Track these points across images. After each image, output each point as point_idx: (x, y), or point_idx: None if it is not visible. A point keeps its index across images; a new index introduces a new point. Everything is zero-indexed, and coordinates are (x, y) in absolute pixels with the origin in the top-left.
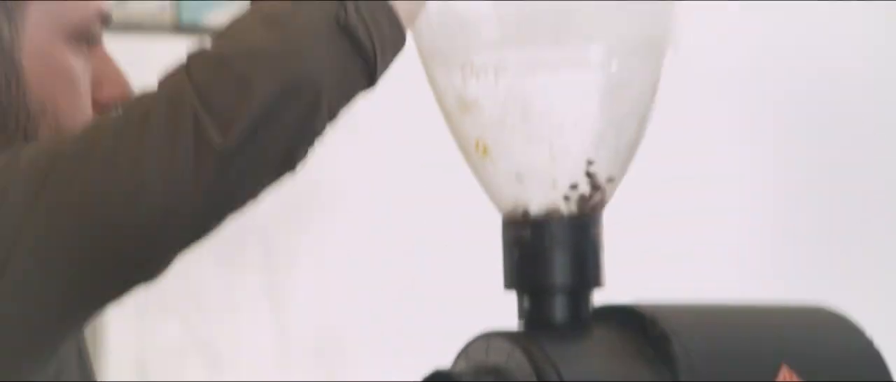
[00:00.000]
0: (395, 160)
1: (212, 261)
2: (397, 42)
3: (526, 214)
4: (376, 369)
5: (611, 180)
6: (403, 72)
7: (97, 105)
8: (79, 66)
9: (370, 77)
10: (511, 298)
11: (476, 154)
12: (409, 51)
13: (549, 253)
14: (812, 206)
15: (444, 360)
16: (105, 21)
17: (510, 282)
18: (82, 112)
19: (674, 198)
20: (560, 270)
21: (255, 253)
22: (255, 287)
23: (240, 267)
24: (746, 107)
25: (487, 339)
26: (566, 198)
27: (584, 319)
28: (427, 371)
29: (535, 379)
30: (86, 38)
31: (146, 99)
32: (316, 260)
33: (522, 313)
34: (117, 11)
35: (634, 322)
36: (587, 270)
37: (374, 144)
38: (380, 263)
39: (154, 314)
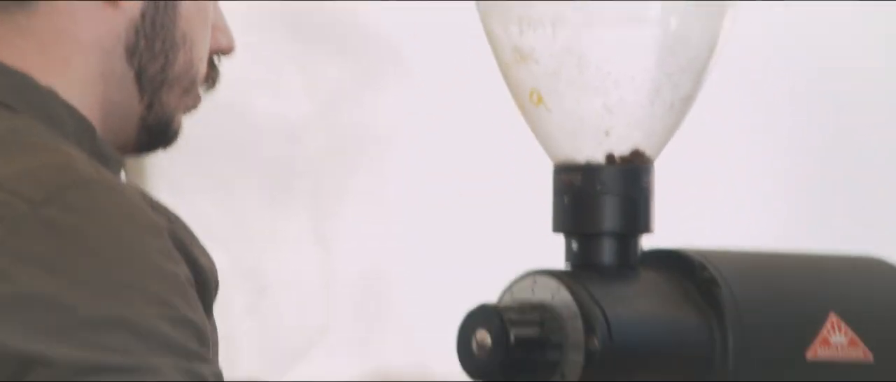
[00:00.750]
0: (446, 104)
1: (260, 197)
2: None
3: (577, 161)
4: (420, 307)
5: (664, 133)
6: (457, 20)
7: (210, 52)
8: (211, 11)
9: None
10: (557, 244)
11: (530, 103)
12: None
13: (599, 198)
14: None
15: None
16: None
17: (559, 226)
18: (205, 49)
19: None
20: (609, 215)
21: (304, 191)
22: (303, 224)
23: (287, 205)
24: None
25: (534, 277)
26: (617, 149)
27: (632, 263)
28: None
29: (579, 315)
30: None
31: None
32: (363, 201)
33: (570, 256)
34: None
35: (682, 267)
36: (636, 216)
37: (426, 88)
38: (427, 206)
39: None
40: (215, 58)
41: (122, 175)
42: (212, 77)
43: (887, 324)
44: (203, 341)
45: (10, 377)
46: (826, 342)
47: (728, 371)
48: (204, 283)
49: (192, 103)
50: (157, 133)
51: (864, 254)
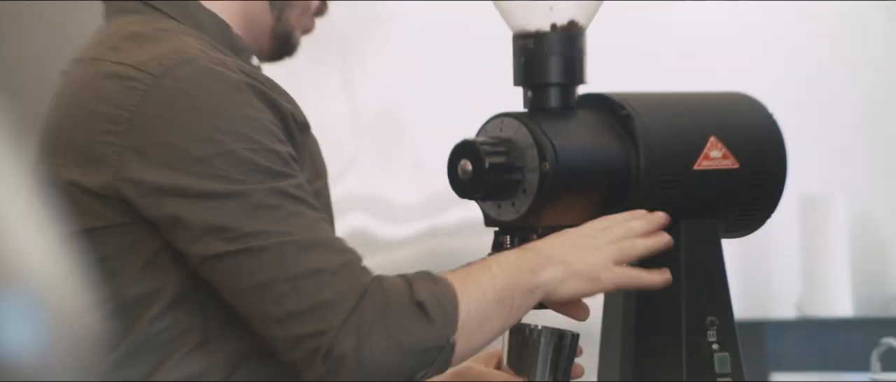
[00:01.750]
0: None
1: (301, 55)
2: None
3: (529, 30)
4: (425, 140)
5: (589, 9)
6: None
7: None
8: None
9: None
10: (517, 93)
11: None
12: None
13: (546, 58)
14: None
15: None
16: None
17: (518, 80)
18: (311, 12)
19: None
20: (554, 70)
21: (333, 53)
22: (333, 78)
23: (321, 64)
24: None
25: (501, 119)
26: (559, 20)
27: (571, 105)
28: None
29: (534, 146)
30: None
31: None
32: (379, 59)
33: (526, 102)
34: None
35: (607, 107)
36: (574, 71)
37: None
38: (427, 63)
39: None
40: None
41: (254, 60)
42: (321, 8)
43: (749, 143)
44: (285, 162)
45: (151, 205)
46: (707, 157)
47: (640, 181)
48: (284, 120)
49: (308, 25)
50: (282, 42)
51: (737, 92)
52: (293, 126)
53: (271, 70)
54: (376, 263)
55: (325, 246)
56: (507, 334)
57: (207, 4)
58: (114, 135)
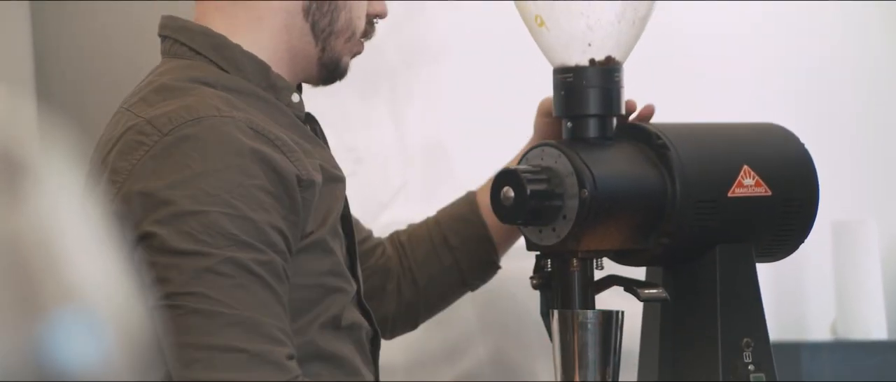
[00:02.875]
0: (482, 28)
1: (353, 89)
2: None
3: (569, 65)
4: (470, 165)
5: (626, 45)
6: None
7: (368, 15)
8: None
9: None
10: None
11: (536, 25)
12: None
13: (585, 90)
14: None
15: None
16: None
17: (558, 111)
18: (362, 12)
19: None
20: (592, 102)
21: (384, 83)
22: (384, 112)
23: (373, 99)
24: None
25: (541, 148)
26: (596, 55)
27: (609, 135)
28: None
29: (574, 174)
30: None
31: None
32: (426, 94)
33: (566, 132)
34: None
35: (643, 137)
36: (610, 103)
37: (467, 16)
38: (471, 98)
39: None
40: (374, 19)
41: (295, 96)
42: (369, 32)
43: (781, 171)
44: (258, 232)
45: (130, 248)
46: (741, 184)
47: (675, 208)
48: (283, 183)
49: (356, 49)
50: (330, 69)
51: (769, 123)
52: (295, 187)
53: (324, 104)
54: None
55: (255, 327)
56: (556, 318)
57: (250, 45)
58: (117, 186)
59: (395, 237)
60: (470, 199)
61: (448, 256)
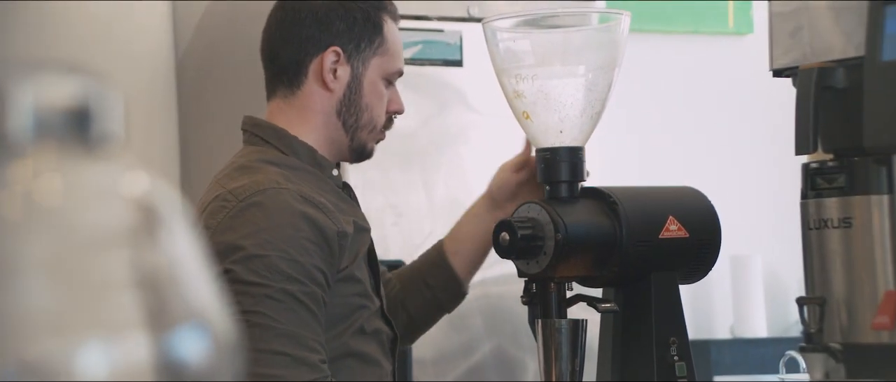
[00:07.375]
0: (490, 124)
1: (395, 164)
2: None
3: (547, 146)
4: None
5: (587, 132)
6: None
7: (387, 113)
8: (385, 91)
9: None
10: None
11: (523, 119)
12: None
13: (559, 164)
14: None
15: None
16: (401, 74)
17: (540, 178)
18: (382, 110)
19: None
20: (564, 172)
21: (417, 160)
22: (417, 177)
23: (409, 172)
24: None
25: (528, 204)
26: (566, 140)
27: (576, 195)
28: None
29: (551, 223)
30: (391, 80)
31: None
32: (448, 169)
33: (546, 193)
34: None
35: (600, 196)
36: (576, 172)
37: (476, 113)
38: (486, 166)
39: (364, 191)
40: (393, 115)
41: (335, 171)
42: (388, 124)
43: (694, 219)
44: (305, 272)
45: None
46: (668, 229)
47: (623, 247)
48: (324, 237)
49: (378, 138)
50: (358, 153)
51: (684, 186)
52: (334, 238)
53: (375, 175)
54: None
55: (297, 339)
56: (539, 325)
57: (302, 135)
58: (207, 237)
59: (395, 279)
60: (439, 249)
61: (428, 293)
